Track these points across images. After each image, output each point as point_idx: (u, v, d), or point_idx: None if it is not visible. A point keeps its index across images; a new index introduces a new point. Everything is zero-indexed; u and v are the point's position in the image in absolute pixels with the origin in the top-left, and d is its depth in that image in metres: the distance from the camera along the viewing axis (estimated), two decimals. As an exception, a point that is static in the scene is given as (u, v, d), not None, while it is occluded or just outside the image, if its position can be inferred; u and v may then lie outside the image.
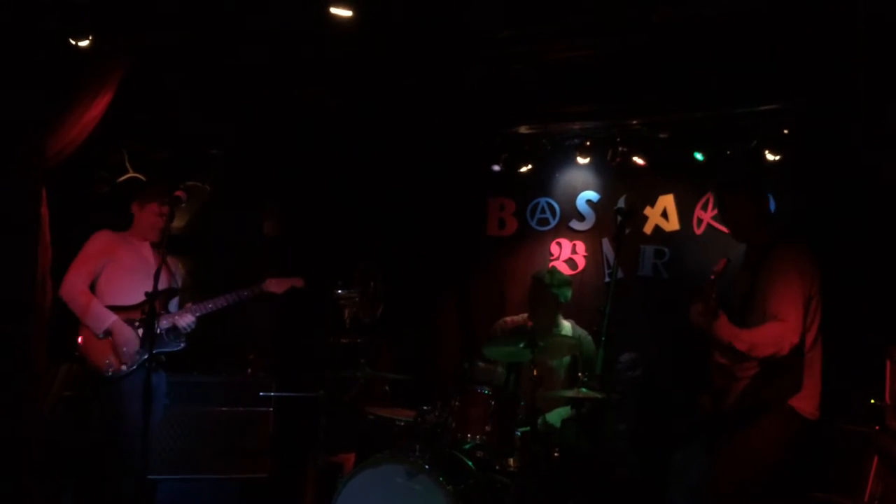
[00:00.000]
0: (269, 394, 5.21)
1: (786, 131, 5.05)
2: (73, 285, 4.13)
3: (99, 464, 4.74)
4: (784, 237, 3.55)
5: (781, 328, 3.27)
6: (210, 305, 4.30)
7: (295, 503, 5.15)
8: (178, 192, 3.88)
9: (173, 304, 4.37)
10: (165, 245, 4.13)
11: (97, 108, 4.36)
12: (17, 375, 4.22)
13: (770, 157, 5.12)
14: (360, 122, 5.69)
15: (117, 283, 4.19)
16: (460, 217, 6.20)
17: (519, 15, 4.32)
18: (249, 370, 5.27)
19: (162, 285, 4.08)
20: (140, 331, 4.08)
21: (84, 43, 4.19)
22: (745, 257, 3.74)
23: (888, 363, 3.20)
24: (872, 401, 3.37)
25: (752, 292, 3.43)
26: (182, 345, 4.26)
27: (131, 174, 5.58)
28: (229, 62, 4.84)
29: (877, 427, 3.20)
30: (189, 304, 4.32)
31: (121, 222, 5.45)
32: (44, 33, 4.18)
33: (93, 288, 4.21)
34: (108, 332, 4.07)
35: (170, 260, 4.36)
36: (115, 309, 4.15)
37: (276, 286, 4.45)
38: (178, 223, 5.08)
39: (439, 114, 5.62)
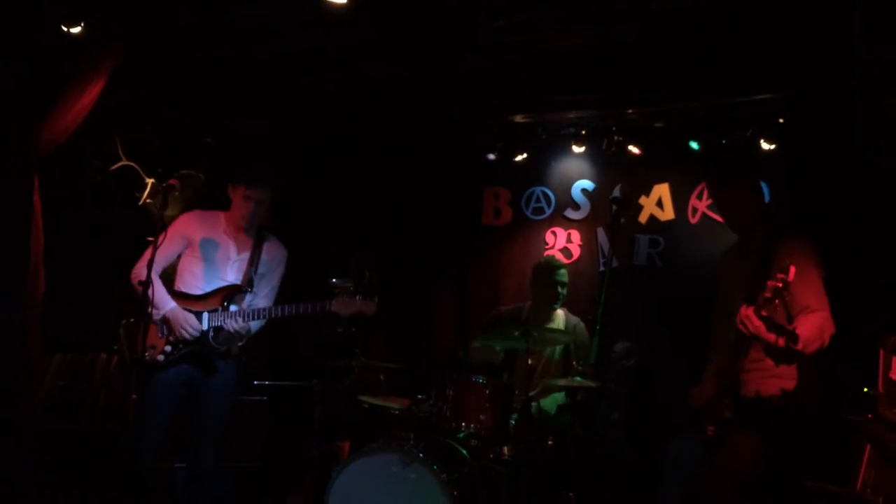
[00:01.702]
0: (263, 382, 5.21)
1: (781, 120, 5.05)
2: (139, 269, 3.90)
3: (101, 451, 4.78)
4: (785, 228, 3.53)
5: (821, 318, 3.22)
6: (265, 313, 3.96)
7: (289, 491, 5.16)
8: (172, 181, 3.83)
9: (237, 302, 3.99)
10: (257, 230, 4.05)
11: (89, 95, 4.33)
12: (10, 365, 4.22)
13: (765, 146, 5.12)
14: (355, 110, 5.67)
15: (190, 270, 3.99)
16: (455, 206, 6.19)
17: (514, 3, 4.31)
18: (244, 358, 5.26)
19: (234, 277, 4.02)
20: (192, 324, 3.86)
21: (76, 30, 4.16)
22: (738, 247, 3.72)
23: (881, 352, 3.21)
24: (865, 389, 3.38)
25: (762, 284, 3.40)
26: (224, 348, 3.98)
27: (124, 162, 5.56)
28: (222, 50, 4.82)
29: (870, 415, 3.21)
30: (242, 306, 3.97)
31: (115, 211, 5.47)
32: (35, 20, 4.15)
33: (174, 272, 4.05)
34: (165, 320, 3.87)
35: (268, 248, 4.13)
36: (180, 296, 3.96)
37: (342, 307, 3.98)
38: (171, 212, 5.06)
39: (435, 102, 5.60)
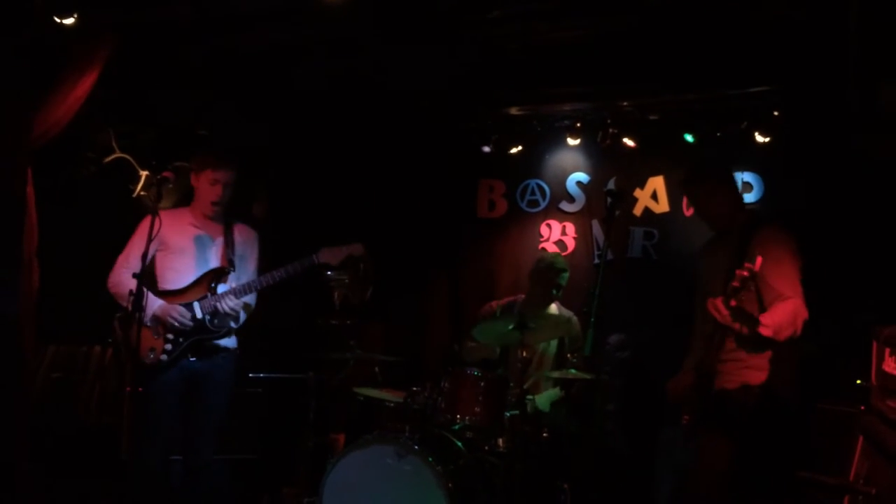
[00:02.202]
0: (258, 375, 5.21)
1: (776, 113, 5.06)
2: (116, 275, 3.93)
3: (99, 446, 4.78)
4: (761, 219, 3.55)
5: (793, 305, 3.25)
6: (255, 284, 3.94)
7: (285, 484, 5.16)
8: (166, 173, 3.82)
9: (224, 283, 3.98)
10: (224, 216, 4.03)
11: (83, 87, 4.31)
12: (4, 357, 4.20)
13: (760, 138, 5.13)
14: (349, 103, 5.66)
15: (169, 266, 3.97)
16: (451, 198, 6.19)
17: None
18: (238, 351, 5.25)
19: (214, 262, 4.01)
20: (184, 315, 3.85)
21: (69, 21, 4.13)
22: (717, 239, 3.72)
23: (874, 344, 3.22)
24: (858, 381, 3.39)
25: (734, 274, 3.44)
26: (224, 329, 3.96)
27: (118, 154, 5.54)
28: (216, 42, 4.80)
29: (862, 407, 3.23)
30: (233, 286, 3.96)
31: (109, 203, 5.44)
32: (28, 11, 4.12)
33: (153, 274, 4.02)
34: (156, 320, 3.84)
35: (240, 231, 4.12)
36: (166, 294, 3.94)
37: (331, 256, 4.01)
38: (165, 203, 5.04)
39: (430, 95, 5.59)
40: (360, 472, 3.88)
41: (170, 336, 3.87)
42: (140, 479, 3.82)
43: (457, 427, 4.16)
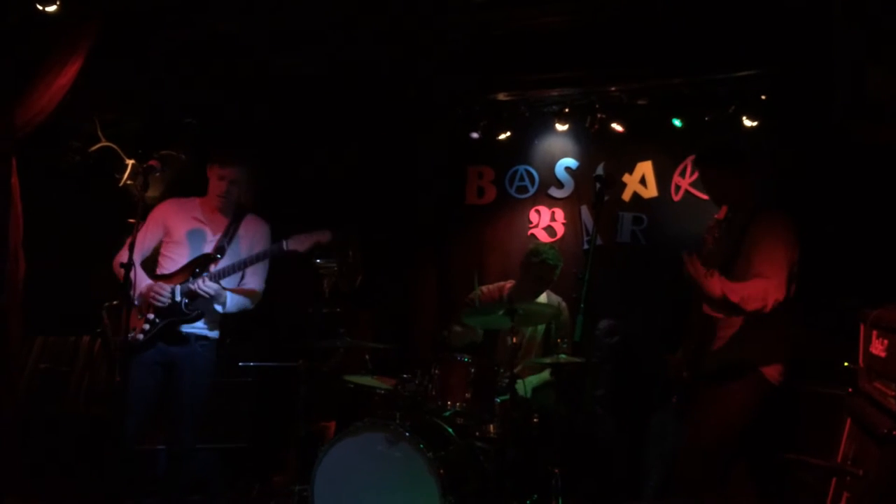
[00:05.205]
0: (248, 364, 5.20)
1: (763, 97, 5.06)
2: (117, 257, 3.97)
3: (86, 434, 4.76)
4: (767, 204, 3.59)
5: (765, 284, 3.35)
6: (229, 269, 3.96)
7: (276, 472, 5.17)
8: (152, 161, 3.80)
9: (207, 269, 3.99)
10: (234, 209, 4.09)
11: (66, 75, 4.27)
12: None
13: (748, 122, 5.13)
14: (336, 89, 5.62)
15: (166, 254, 4.03)
16: (439, 185, 6.18)
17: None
18: (228, 340, 5.24)
19: (204, 250, 4.02)
20: (162, 292, 3.87)
21: (52, 8, 4.09)
22: (727, 220, 3.76)
23: (862, 326, 3.24)
24: (846, 363, 3.42)
25: (736, 254, 3.48)
26: (196, 312, 3.94)
27: (104, 143, 5.50)
28: (202, 29, 4.76)
29: (850, 389, 3.25)
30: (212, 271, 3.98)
31: (93, 192, 5.41)
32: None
33: (155, 259, 4.08)
34: (141, 298, 3.89)
35: (247, 224, 4.15)
36: (158, 278, 3.99)
37: (298, 244, 3.98)
38: (152, 192, 5.02)
39: (417, 81, 5.56)
40: (351, 460, 3.88)
41: (150, 316, 3.89)
42: (116, 459, 3.84)
43: (447, 414, 4.17)
